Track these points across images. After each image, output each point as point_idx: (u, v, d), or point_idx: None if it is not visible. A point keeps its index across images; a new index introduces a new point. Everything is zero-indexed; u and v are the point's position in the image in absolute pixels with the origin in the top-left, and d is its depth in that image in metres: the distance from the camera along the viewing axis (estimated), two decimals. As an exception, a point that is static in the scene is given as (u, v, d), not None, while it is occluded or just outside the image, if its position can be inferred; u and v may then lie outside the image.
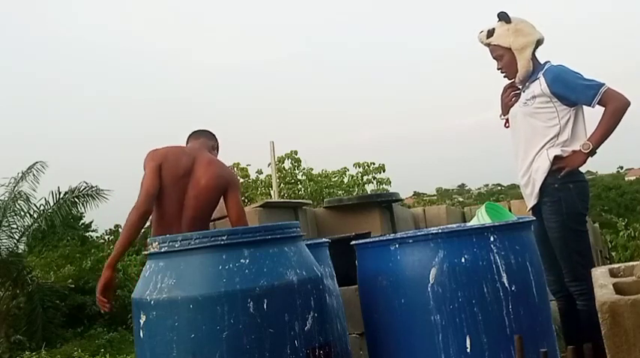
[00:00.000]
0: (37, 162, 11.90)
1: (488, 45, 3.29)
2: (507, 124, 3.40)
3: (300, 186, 13.49)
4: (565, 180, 3.09)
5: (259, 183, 13.46)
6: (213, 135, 3.55)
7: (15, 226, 11.65)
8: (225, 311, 2.07)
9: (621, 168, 44.76)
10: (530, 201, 3.22)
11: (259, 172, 13.78)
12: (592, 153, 3.09)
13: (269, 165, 10.58)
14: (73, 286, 12.41)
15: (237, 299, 2.08)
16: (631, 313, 1.45)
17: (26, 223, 11.78)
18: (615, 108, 3.07)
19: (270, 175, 11.36)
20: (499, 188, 39.52)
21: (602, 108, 3.10)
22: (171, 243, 2.19)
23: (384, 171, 13.85)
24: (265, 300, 2.10)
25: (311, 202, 8.10)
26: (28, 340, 10.76)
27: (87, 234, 19.02)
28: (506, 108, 3.39)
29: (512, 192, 24.82)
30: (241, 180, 13.24)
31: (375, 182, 13.84)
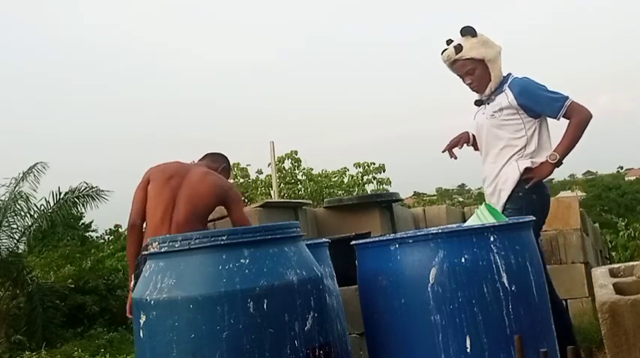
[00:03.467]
0: (37, 163, 11.87)
1: (455, 62, 3.32)
2: (476, 148, 3.52)
3: (300, 186, 13.47)
4: (531, 191, 3.20)
5: (259, 183, 13.44)
6: (223, 157, 3.53)
7: (15, 226, 11.62)
8: (225, 311, 2.07)
9: (621, 168, 44.80)
10: None
11: (259, 172, 13.77)
12: (559, 163, 3.21)
13: (269, 165, 10.57)
14: (73, 286, 12.37)
15: (237, 299, 2.08)
16: (631, 313, 1.45)
17: (26, 223, 11.75)
18: (580, 121, 3.20)
19: (270, 175, 11.35)
20: (499, 188, 39.40)
21: (567, 121, 3.21)
22: (171, 243, 2.19)
23: (384, 171, 13.84)
24: (265, 300, 2.10)
25: (311, 202, 8.09)
26: (28, 340, 10.73)
27: (87, 234, 18.98)
28: (450, 147, 3.52)
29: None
30: (241, 180, 13.22)
31: (375, 182, 13.82)
